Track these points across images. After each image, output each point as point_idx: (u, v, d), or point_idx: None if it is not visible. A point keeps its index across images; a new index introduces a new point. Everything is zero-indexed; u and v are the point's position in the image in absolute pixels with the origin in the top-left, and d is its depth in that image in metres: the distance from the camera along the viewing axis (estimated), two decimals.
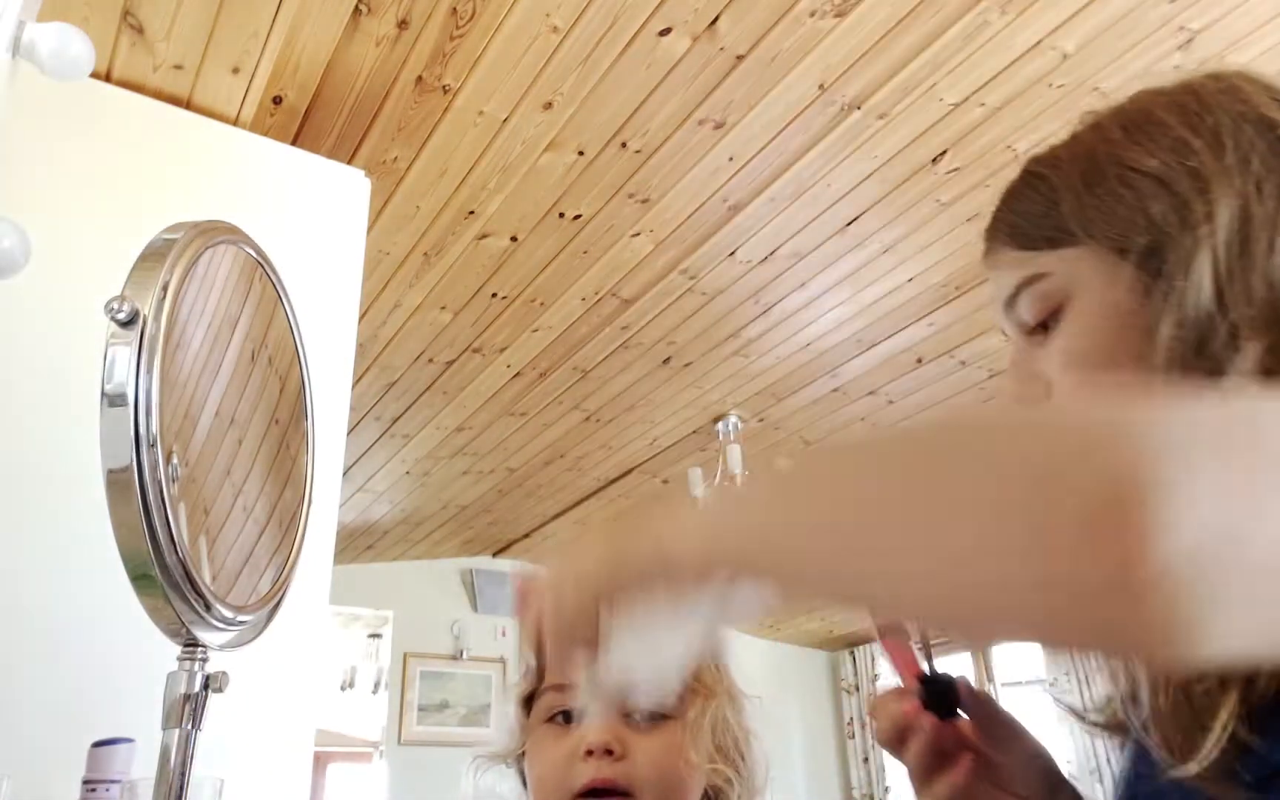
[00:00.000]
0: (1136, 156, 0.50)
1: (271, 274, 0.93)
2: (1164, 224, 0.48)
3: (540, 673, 0.80)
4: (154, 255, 0.71)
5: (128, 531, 0.66)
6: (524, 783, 0.80)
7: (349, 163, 1.97)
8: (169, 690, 0.73)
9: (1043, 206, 0.55)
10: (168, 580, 0.68)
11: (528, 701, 0.81)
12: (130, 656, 1.11)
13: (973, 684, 0.60)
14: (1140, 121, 0.52)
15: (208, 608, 0.73)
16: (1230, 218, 0.46)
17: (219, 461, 0.83)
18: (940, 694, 0.60)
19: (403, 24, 1.74)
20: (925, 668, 0.62)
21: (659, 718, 0.76)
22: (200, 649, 0.75)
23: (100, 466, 0.66)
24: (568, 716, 0.76)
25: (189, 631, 0.73)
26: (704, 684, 0.78)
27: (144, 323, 0.67)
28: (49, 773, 1.09)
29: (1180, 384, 0.44)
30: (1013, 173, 0.61)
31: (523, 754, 0.80)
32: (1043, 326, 0.53)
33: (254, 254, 0.89)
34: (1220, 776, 0.40)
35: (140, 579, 0.68)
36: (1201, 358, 0.44)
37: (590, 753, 0.73)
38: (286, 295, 0.95)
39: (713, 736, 0.76)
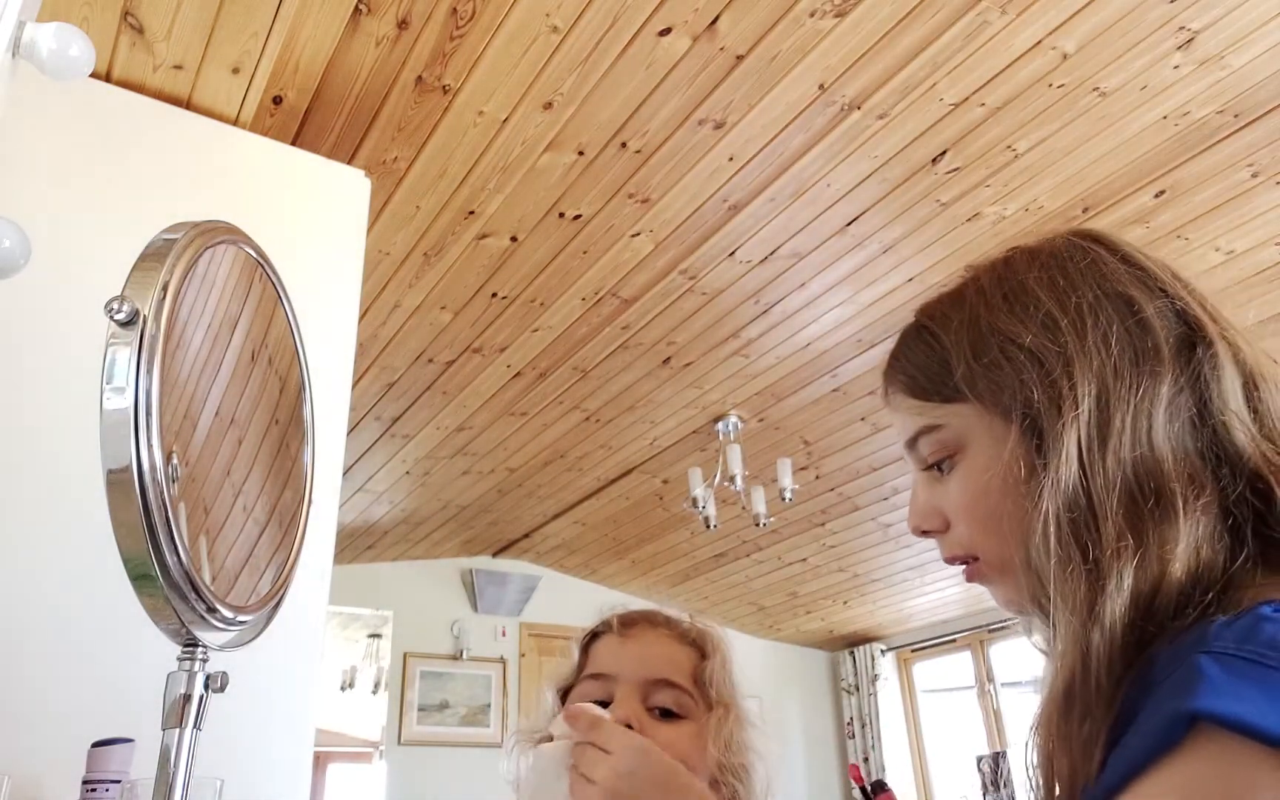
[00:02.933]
0: (1015, 330, 0.57)
1: (271, 274, 0.93)
2: (1038, 400, 0.54)
3: (581, 667, 0.88)
4: (154, 255, 0.71)
5: (128, 531, 0.66)
6: None
7: (349, 163, 1.97)
8: (169, 690, 0.73)
9: (936, 365, 0.62)
10: (167, 580, 0.68)
11: (565, 694, 0.88)
12: (130, 656, 1.11)
13: None
14: (1018, 292, 0.59)
15: (209, 608, 0.73)
16: (1090, 401, 0.52)
17: (219, 461, 0.83)
18: None
19: (403, 24, 1.74)
20: None
21: (677, 717, 0.82)
22: (200, 649, 0.75)
23: (100, 466, 0.66)
24: (601, 705, 0.82)
25: (189, 632, 0.73)
26: (721, 698, 0.84)
27: (144, 323, 0.67)
28: (49, 773, 1.09)
29: (1045, 556, 0.51)
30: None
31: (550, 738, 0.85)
32: (939, 466, 0.61)
33: (254, 254, 0.89)
34: None
35: (140, 579, 0.68)
36: (1075, 531, 0.50)
37: None
38: (286, 295, 0.95)
39: (726, 750, 0.82)
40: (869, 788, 0.74)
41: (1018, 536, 0.54)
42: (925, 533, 0.62)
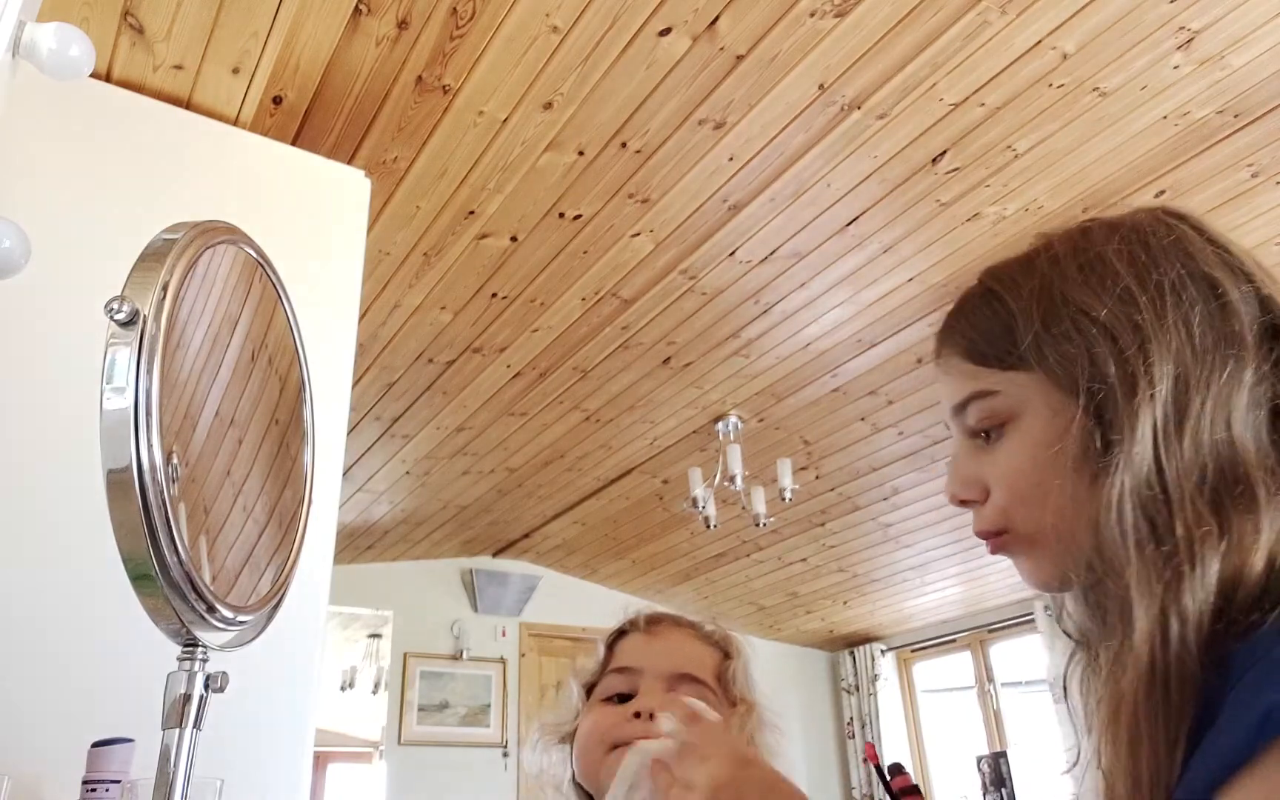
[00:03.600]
0: (1089, 302, 0.54)
1: (271, 274, 0.92)
2: (1111, 376, 0.52)
3: (606, 662, 0.89)
4: (154, 255, 0.71)
5: (128, 531, 0.66)
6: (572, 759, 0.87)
7: (349, 163, 1.97)
8: (169, 690, 0.73)
9: (1000, 330, 0.59)
10: (167, 580, 0.68)
11: (589, 690, 0.89)
12: (130, 656, 1.11)
13: None
14: (1094, 263, 0.56)
15: (209, 608, 0.73)
16: (1168, 382, 0.50)
17: (219, 461, 0.83)
18: None
19: (403, 24, 1.74)
20: None
21: None
22: (200, 649, 0.75)
23: (100, 466, 0.66)
24: (624, 698, 0.84)
25: (189, 632, 0.73)
26: (743, 697, 0.86)
27: (144, 323, 0.67)
28: (49, 773, 1.09)
29: (1120, 537, 0.49)
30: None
31: (573, 732, 0.87)
32: (986, 433, 0.58)
33: (254, 254, 0.89)
34: None
35: (140, 579, 0.68)
36: (1150, 511, 0.48)
37: (638, 715, 0.80)
38: (286, 295, 0.95)
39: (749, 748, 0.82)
40: (886, 769, 0.74)
41: (1065, 513, 0.53)
42: (964, 503, 0.60)
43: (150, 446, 0.65)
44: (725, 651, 0.88)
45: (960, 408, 0.60)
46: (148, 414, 0.66)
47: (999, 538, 0.58)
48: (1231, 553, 0.45)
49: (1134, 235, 0.56)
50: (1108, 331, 0.53)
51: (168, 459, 0.68)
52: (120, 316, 0.66)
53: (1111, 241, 0.56)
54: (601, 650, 0.91)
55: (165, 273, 0.70)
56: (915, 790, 0.61)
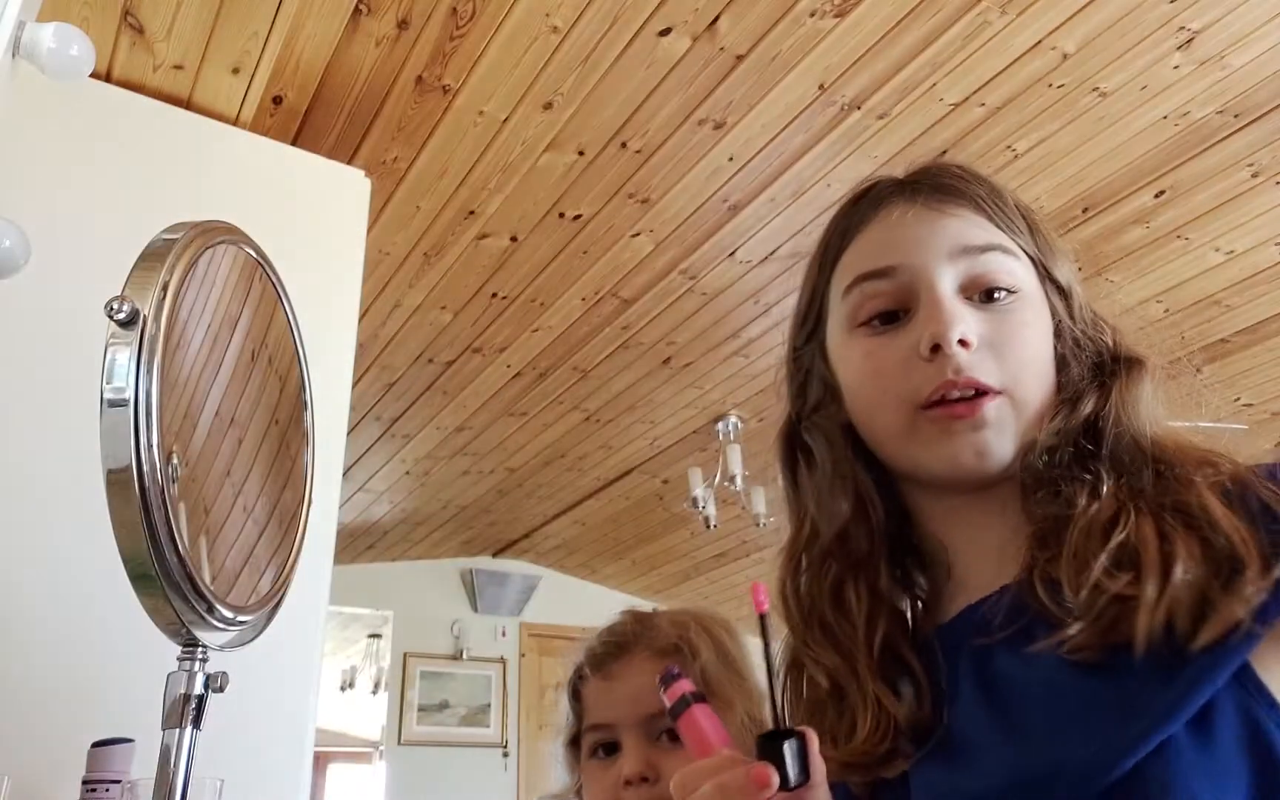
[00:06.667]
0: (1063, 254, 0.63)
1: (271, 274, 0.93)
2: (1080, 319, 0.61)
3: (579, 716, 0.90)
4: (154, 255, 0.71)
5: (128, 531, 0.66)
6: None
7: (349, 163, 1.97)
8: (169, 690, 0.73)
9: (1012, 210, 0.61)
10: (168, 580, 0.68)
11: (574, 743, 0.91)
12: (130, 656, 1.11)
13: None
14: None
15: (209, 609, 0.73)
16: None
17: (219, 462, 0.83)
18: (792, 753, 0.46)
19: (403, 24, 1.74)
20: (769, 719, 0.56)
21: None
22: (200, 649, 0.75)
23: (100, 467, 0.66)
24: (608, 749, 0.86)
25: (189, 632, 0.73)
26: (721, 692, 0.83)
27: (144, 323, 0.67)
28: (49, 773, 1.09)
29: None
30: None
31: (579, 789, 0.89)
32: (989, 294, 0.58)
33: (254, 254, 0.89)
34: None
35: (140, 579, 0.68)
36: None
37: (629, 783, 0.81)
38: (286, 295, 0.95)
39: (752, 734, 0.80)
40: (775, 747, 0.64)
41: (1048, 398, 0.57)
42: (964, 343, 0.55)
43: (150, 447, 0.66)
44: (691, 653, 0.86)
45: (974, 251, 0.58)
46: (148, 414, 0.66)
47: (997, 397, 0.55)
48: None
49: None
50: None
51: (168, 459, 0.68)
52: (120, 316, 0.66)
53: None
54: (567, 702, 0.91)
55: (165, 272, 0.70)
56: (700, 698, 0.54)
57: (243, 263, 0.88)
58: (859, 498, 0.61)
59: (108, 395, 0.66)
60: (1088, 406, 0.55)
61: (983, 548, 0.58)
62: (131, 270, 0.71)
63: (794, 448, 0.67)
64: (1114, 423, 0.55)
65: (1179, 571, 0.45)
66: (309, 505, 0.97)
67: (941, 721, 0.53)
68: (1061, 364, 0.58)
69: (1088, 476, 0.53)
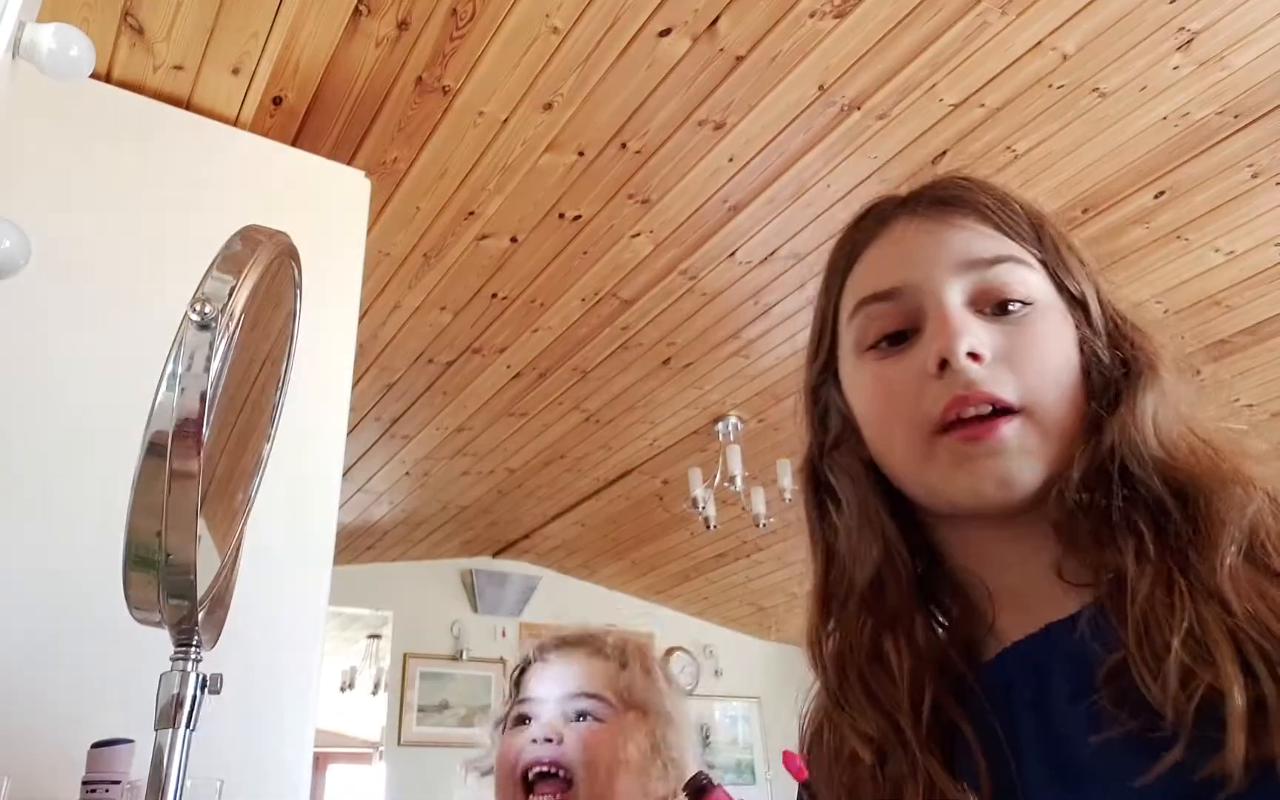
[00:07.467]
0: (1079, 256, 0.59)
1: (299, 294, 0.92)
2: (1099, 325, 0.56)
3: (514, 697, 1.01)
4: (232, 260, 0.71)
5: (146, 513, 0.65)
6: None
7: (349, 163, 1.97)
8: (162, 691, 0.73)
9: (1023, 218, 0.58)
10: (168, 572, 0.68)
11: (502, 724, 1.02)
12: (130, 657, 1.11)
13: None
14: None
15: (189, 614, 0.72)
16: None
17: (223, 465, 0.83)
18: None
19: (403, 24, 1.74)
20: None
21: (595, 721, 0.95)
22: (194, 649, 0.75)
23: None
24: (524, 720, 0.98)
25: (161, 625, 0.72)
26: (637, 703, 0.95)
27: (218, 323, 0.66)
28: (49, 773, 1.09)
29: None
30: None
31: (492, 766, 1.01)
32: (1003, 307, 0.54)
33: (296, 272, 0.89)
34: None
35: (140, 562, 0.67)
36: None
37: (534, 740, 0.93)
38: (299, 309, 0.94)
39: (659, 751, 0.94)
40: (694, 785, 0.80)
41: (1076, 417, 0.52)
42: (975, 356, 0.51)
43: (198, 446, 0.65)
44: (621, 663, 0.98)
45: (982, 265, 0.55)
46: (201, 414, 0.65)
47: (1015, 416, 0.51)
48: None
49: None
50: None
51: (205, 457, 0.68)
52: (200, 317, 0.66)
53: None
54: (508, 687, 1.03)
55: (244, 280, 0.70)
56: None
57: (286, 278, 0.88)
58: (887, 545, 0.58)
59: (165, 385, 0.64)
60: (1109, 436, 0.50)
61: (1019, 580, 0.53)
62: (210, 271, 0.70)
63: (817, 485, 0.65)
64: (1132, 454, 0.49)
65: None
66: (248, 515, 0.94)
67: (994, 784, 0.48)
68: (1087, 379, 0.53)
69: (1126, 522, 0.48)
